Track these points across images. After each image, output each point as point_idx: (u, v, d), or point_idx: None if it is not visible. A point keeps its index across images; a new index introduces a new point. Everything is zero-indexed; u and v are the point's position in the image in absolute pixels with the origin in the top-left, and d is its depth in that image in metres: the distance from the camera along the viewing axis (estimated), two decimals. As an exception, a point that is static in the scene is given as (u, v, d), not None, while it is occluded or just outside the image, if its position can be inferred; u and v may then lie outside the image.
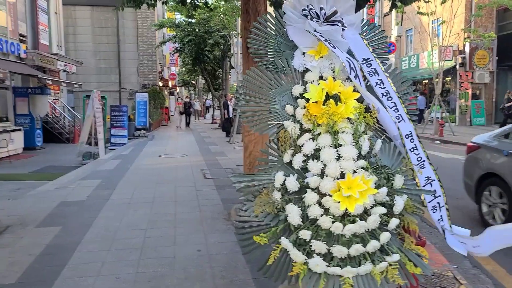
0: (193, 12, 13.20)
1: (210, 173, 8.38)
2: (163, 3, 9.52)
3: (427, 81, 22.91)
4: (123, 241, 4.29)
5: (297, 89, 2.38)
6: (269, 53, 2.57)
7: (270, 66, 2.52)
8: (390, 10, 8.16)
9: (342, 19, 2.39)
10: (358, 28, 2.50)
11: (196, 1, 9.11)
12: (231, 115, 18.74)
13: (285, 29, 2.52)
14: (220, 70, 23.94)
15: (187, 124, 24.45)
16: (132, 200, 6.05)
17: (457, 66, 20.48)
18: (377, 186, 2.07)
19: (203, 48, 19.16)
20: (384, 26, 25.60)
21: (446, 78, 20.89)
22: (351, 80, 2.32)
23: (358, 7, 7.35)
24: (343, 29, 2.38)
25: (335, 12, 2.37)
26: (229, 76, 22.23)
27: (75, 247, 4.08)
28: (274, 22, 2.56)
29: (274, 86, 2.45)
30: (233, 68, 20.96)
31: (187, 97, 31.34)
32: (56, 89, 18.38)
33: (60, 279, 3.36)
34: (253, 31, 2.56)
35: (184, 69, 36.06)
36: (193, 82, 42.52)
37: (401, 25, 22.37)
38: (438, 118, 17.05)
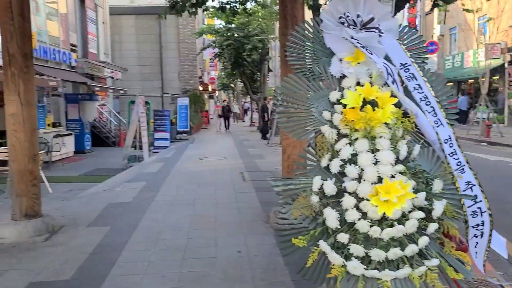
0: (232, 18, 13.45)
1: (249, 176, 8.51)
2: (203, 10, 9.83)
3: (472, 80, 22.00)
4: (167, 241, 4.48)
5: (334, 95, 2.43)
6: (306, 60, 2.63)
7: (308, 73, 2.58)
8: (432, 9, 8.00)
9: (379, 25, 2.42)
10: (395, 34, 2.51)
11: (235, 7, 9.34)
12: (266, 118, 18.92)
13: (322, 37, 2.57)
14: (258, 73, 24.17)
15: (226, 127, 24.77)
16: (175, 202, 6.28)
17: (506, 64, 19.52)
18: (416, 191, 2.08)
19: (241, 52, 19.44)
20: (426, 25, 24.86)
21: (494, 77, 19.96)
22: (388, 86, 2.34)
23: (398, 8, 7.26)
24: (380, 35, 2.40)
25: (372, 19, 2.40)
26: (267, 79, 22.38)
27: (123, 247, 4.30)
28: (311, 29, 2.62)
29: (312, 92, 2.51)
30: (271, 71, 21.09)
31: (224, 100, 31.62)
32: (103, 95, 19.25)
33: (110, 277, 3.57)
34: (290, 39, 2.63)
35: (223, 73, 36.70)
36: (232, 85, 43.12)
37: (444, 23, 21.63)
38: (484, 118, 16.33)
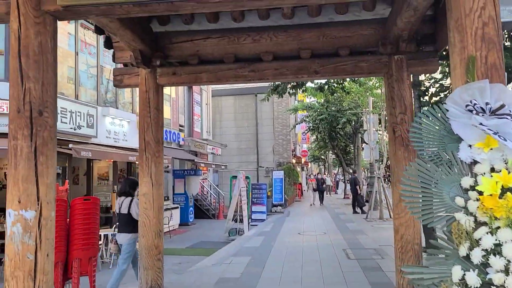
0: (330, 96, 14.00)
1: (353, 254, 8.24)
2: (302, 91, 10.44)
3: None
4: (280, 321, 4.47)
5: (466, 181, 2.42)
6: (432, 145, 2.69)
7: (435, 158, 2.63)
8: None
9: (510, 111, 2.43)
10: (528, 119, 2.48)
11: (333, 87, 9.76)
12: (359, 191, 18.41)
13: (447, 123, 2.64)
14: (351, 145, 24.11)
15: (321, 201, 23.60)
16: (282, 280, 6.29)
17: None
18: None
19: (335, 126, 19.74)
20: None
21: None
22: (527, 171, 2.28)
23: (509, 80, 6.99)
24: (512, 121, 2.40)
25: (502, 106, 2.42)
26: (362, 151, 22.16)
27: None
28: (436, 116, 2.70)
29: (441, 177, 2.53)
30: (366, 143, 20.91)
31: (318, 173, 31.02)
32: (205, 169, 20.61)
33: None
34: (415, 125, 2.73)
35: (313, 145, 37.19)
36: (323, 157, 43.22)
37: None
38: None
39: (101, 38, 11.82)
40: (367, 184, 21.22)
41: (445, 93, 7.83)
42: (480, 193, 2.31)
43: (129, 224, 5.61)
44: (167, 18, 5.02)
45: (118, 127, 12.16)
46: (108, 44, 5.50)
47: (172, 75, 5.41)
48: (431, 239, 4.81)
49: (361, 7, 4.78)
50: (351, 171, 23.98)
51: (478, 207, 2.28)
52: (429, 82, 8.08)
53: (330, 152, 36.35)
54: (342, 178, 35.62)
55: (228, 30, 5.18)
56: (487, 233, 2.19)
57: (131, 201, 5.67)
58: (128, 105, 13.77)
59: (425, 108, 2.71)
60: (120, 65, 6.38)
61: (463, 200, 2.41)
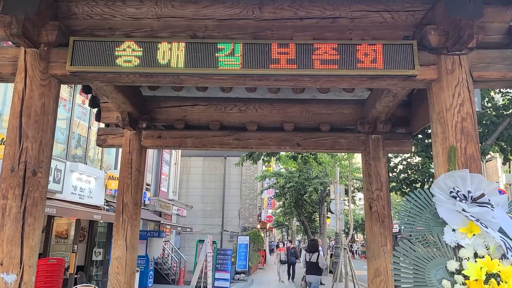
0: (303, 166, 14.35)
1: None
2: (276, 159, 10.69)
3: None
4: None
5: (452, 265, 2.55)
6: (418, 228, 2.84)
7: (422, 240, 2.77)
8: (505, 163, 8.16)
9: (489, 200, 2.64)
10: (505, 207, 2.71)
11: (306, 157, 10.07)
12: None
13: (432, 206, 2.82)
14: (316, 213, 24.29)
15: (290, 276, 19.13)
16: None
17: None
18: None
19: (303, 194, 19.99)
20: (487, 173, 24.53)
21: None
22: (506, 258, 2.45)
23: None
24: (492, 210, 2.60)
25: (482, 195, 2.64)
26: (328, 220, 22.32)
27: None
28: (421, 199, 2.88)
29: (429, 259, 2.66)
30: (332, 212, 21.18)
31: (289, 241, 26.95)
32: (167, 231, 19.97)
33: None
34: (404, 207, 2.89)
35: (278, 210, 37.15)
36: (287, 223, 43.03)
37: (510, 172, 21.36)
38: None
39: (77, 93, 11.88)
40: (331, 254, 21.18)
41: (412, 170, 8.25)
42: (466, 277, 2.44)
43: (318, 269, 9.71)
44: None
45: (85, 184, 11.81)
46: (94, 103, 5.54)
47: (157, 138, 5.48)
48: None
49: (341, 89, 5.15)
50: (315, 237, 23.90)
51: (465, 291, 2.39)
52: (398, 160, 8.52)
53: (295, 218, 36.36)
54: (305, 246, 35.39)
55: (215, 98, 5.38)
56: (475, 317, 2.29)
57: (318, 255, 9.65)
58: (97, 161, 13.51)
59: (412, 192, 2.89)
60: (101, 124, 6.38)
61: (450, 283, 2.52)
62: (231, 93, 5.24)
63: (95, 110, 5.68)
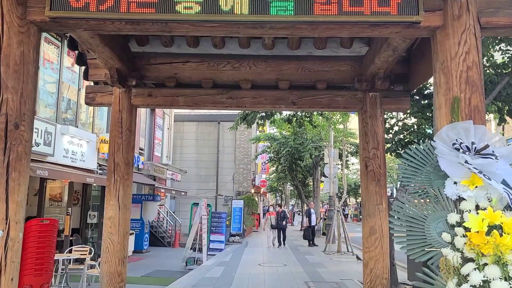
0: (298, 129, 14.22)
1: (315, 287, 8.19)
2: (271, 122, 10.54)
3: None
4: None
5: (453, 217, 2.49)
6: (418, 181, 2.75)
7: (422, 194, 2.69)
8: (499, 124, 8.08)
9: (493, 151, 2.55)
10: (509, 159, 2.61)
11: (301, 120, 9.94)
12: (313, 223, 18.49)
13: (433, 160, 2.72)
14: (310, 178, 24.46)
15: (282, 242, 17.56)
16: (246, 313, 6.00)
17: None
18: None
19: (297, 158, 19.99)
20: None
21: None
22: (509, 210, 2.39)
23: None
24: (496, 162, 2.51)
25: (486, 146, 2.54)
26: (321, 184, 22.51)
27: None
28: (422, 152, 2.78)
29: (428, 213, 2.58)
30: (326, 176, 21.32)
31: (278, 205, 23.38)
32: (162, 195, 20.05)
33: None
34: (403, 160, 2.79)
35: (272, 175, 37.42)
36: (281, 188, 43.48)
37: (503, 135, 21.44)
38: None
39: (65, 55, 11.50)
40: (325, 217, 21.50)
41: (408, 132, 8.16)
42: (467, 229, 2.38)
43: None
44: (146, 38, 4.94)
45: (77, 147, 11.64)
46: (81, 60, 5.31)
47: (147, 96, 5.29)
48: (416, 272, 4.88)
49: (338, 44, 4.94)
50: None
51: (465, 244, 2.33)
52: (394, 121, 8.41)
53: (288, 183, 36.67)
54: (298, 210, 35.85)
55: (208, 55, 5.16)
56: (474, 269, 2.24)
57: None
58: (88, 125, 13.29)
59: (413, 146, 2.79)
60: (90, 83, 6.15)
61: (450, 236, 2.46)
62: (224, 49, 5.02)
63: (83, 68, 5.45)
